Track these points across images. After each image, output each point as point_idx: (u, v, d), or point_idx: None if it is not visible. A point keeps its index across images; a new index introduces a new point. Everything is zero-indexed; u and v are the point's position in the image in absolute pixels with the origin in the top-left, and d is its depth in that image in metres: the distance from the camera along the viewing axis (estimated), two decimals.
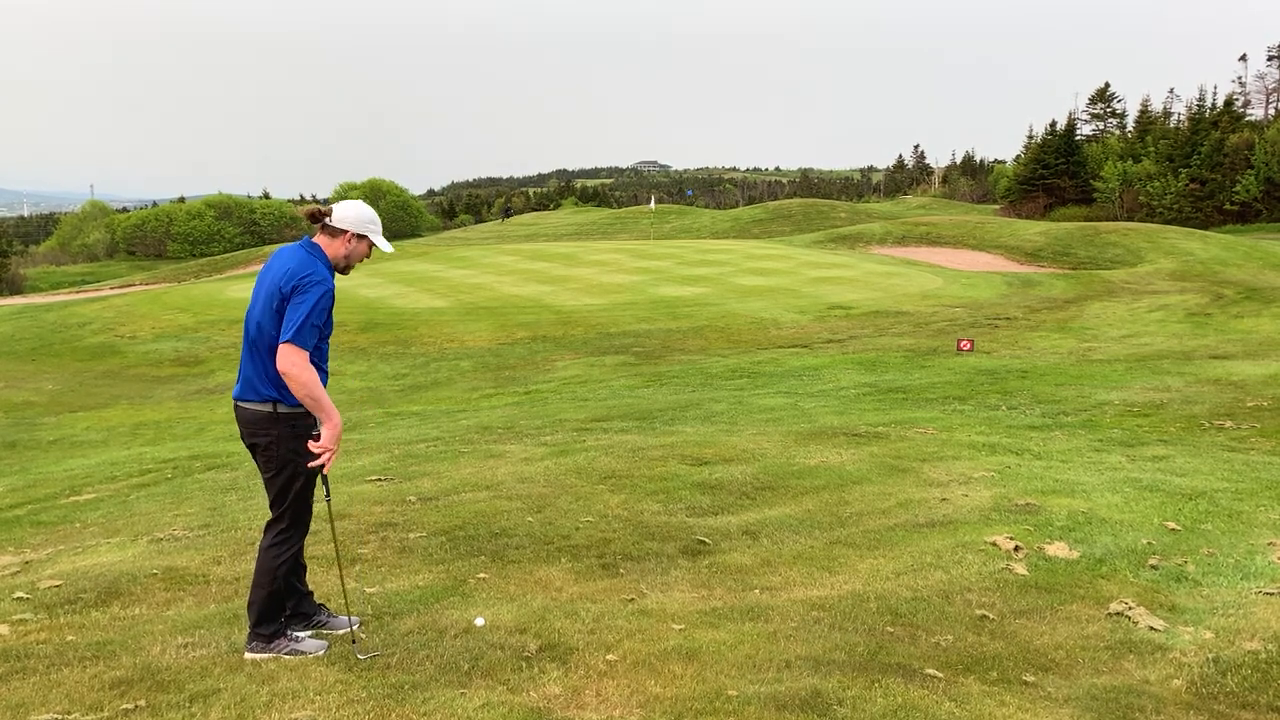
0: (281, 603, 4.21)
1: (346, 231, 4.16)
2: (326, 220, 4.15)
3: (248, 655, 4.13)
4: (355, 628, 4.36)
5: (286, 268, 4.05)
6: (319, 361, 4.12)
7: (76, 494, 8.96)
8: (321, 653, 4.16)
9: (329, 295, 4.03)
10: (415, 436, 10.94)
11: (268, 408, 4.06)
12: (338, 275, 4.22)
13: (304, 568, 4.44)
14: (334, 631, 4.41)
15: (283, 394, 4.02)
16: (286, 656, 4.11)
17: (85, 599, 4.92)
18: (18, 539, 6.96)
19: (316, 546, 5.75)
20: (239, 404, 4.16)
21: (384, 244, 4.28)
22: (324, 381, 4.09)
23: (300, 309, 3.94)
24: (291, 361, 3.91)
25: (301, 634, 4.29)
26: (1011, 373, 15.64)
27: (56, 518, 7.75)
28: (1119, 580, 5.22)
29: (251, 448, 4.19)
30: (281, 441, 4.07)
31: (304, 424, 4.07)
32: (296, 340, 3.91)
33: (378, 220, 4.27)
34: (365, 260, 4.33)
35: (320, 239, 4.18)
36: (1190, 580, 5.22)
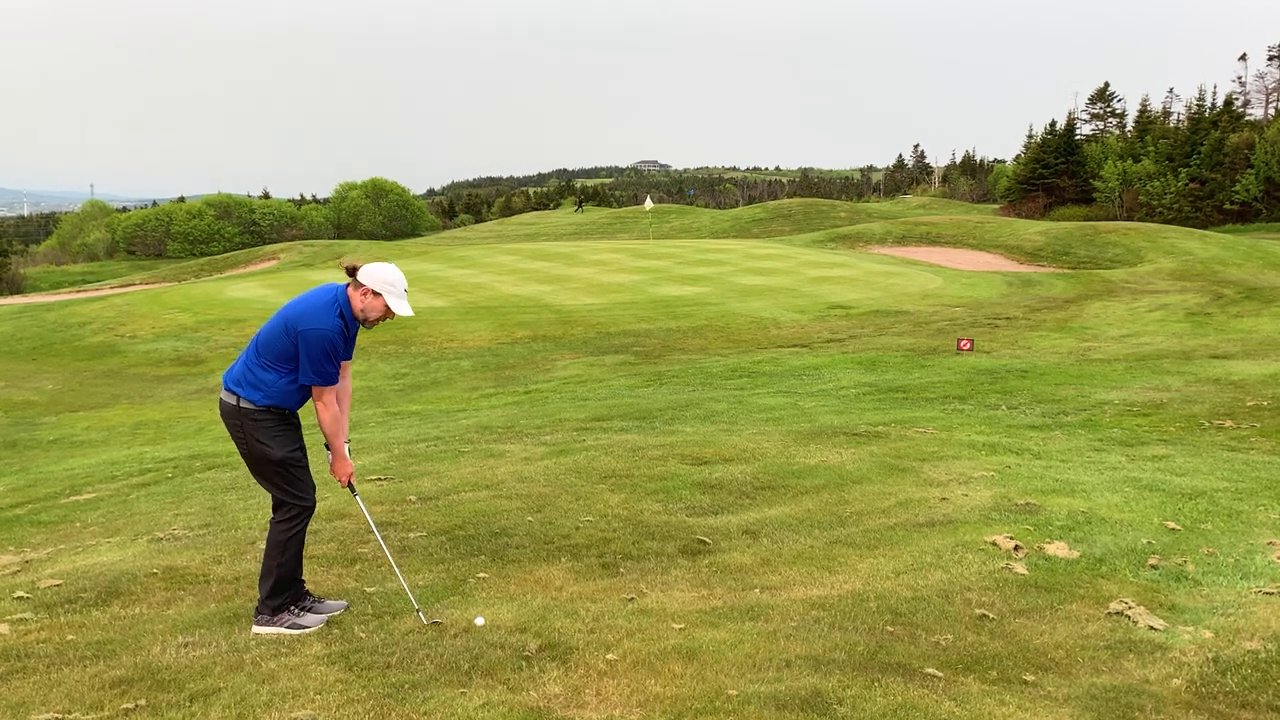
0: (292, 577, 4.50)
1: (365, 285, 4.48)
2: (355, 274, 4.52)
3: (255, 628, 4.42)
4: (419, 613, 4.62)
5: (303, 309, 4.45)
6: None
7: (76, 493, 8.96)
8: (319, 626, 4.46)
9: (323, 339, 4.39)
10: (415, 436, 10.95)
11: (233, 400, 4.48)
12: (363, 328, 4.63)
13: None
14: (328, 614, 4.64)
15: (247, 392, 4.43)
16: (288, 631, 4.39)
17: (85, 598, 4.92)
18: (18, 538, 6.96)
19: (316, 546, 5.76)
20: (222, 391, 4.58)
21: (401, 307, 4.53)
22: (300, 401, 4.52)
23: (304, 358, 4.39)
24: (315, 396, 4.47)
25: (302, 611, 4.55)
26: (1011, 372, 15.63)
27: (57, 517, 7.75)
28: (1119, 580, 5.22)
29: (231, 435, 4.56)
30: (245, 432, 4.46)
31: (264, 422, 4.43)
32: (310, 381, 4.43)
33: (399, 284, 4.52)
34: (388, 320, 4.60)
35: (350, 289, 4.53)
36: (1190, 580, 5.22)
